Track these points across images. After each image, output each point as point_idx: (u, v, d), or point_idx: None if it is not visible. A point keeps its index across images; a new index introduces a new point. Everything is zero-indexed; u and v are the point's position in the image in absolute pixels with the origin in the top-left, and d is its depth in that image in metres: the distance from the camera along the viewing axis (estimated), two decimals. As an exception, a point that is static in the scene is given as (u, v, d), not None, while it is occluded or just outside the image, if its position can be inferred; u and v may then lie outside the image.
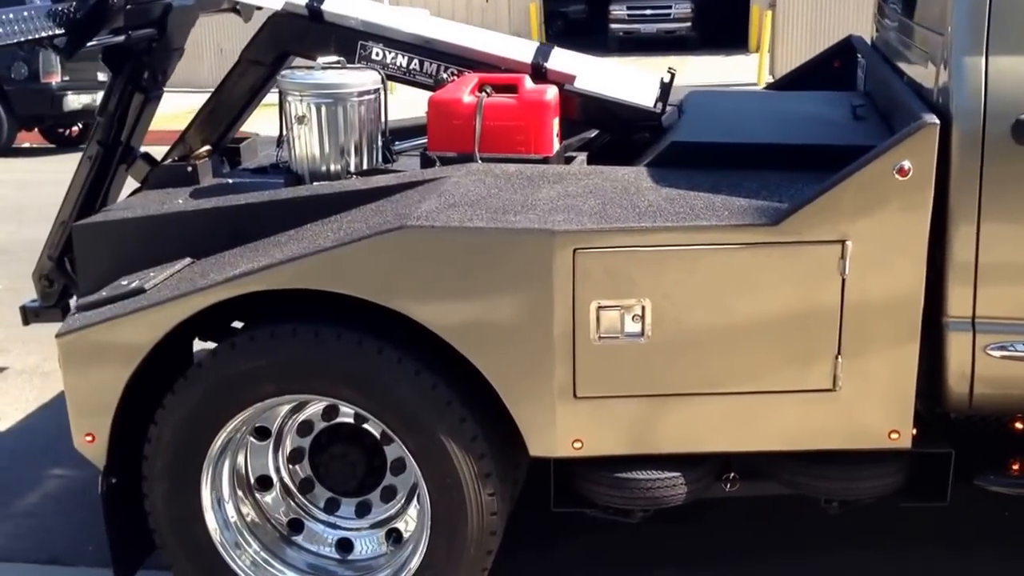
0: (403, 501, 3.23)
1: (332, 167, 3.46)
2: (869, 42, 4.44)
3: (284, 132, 3.54)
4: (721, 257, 2.76)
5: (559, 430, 2.88)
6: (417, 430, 2.89)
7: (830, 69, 4.62)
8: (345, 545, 3.27)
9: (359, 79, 3.48)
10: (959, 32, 2.77)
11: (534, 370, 2.84)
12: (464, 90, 3.44)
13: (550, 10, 22.85)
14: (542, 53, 3.73)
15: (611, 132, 3.78)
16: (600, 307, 2.78)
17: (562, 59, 3.76)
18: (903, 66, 3.42)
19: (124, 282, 3.10)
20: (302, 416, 3.19)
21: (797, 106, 3.81)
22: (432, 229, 2.78)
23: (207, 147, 3.87)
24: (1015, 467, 3.08)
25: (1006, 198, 2.75)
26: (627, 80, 3.77)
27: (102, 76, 10.38)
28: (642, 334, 2.80)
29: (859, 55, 4.35)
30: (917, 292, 2.79)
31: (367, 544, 3.25)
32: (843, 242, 2.74)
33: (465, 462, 2.90)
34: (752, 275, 2.78)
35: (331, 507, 3.28)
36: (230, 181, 3.73)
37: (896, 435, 2.89)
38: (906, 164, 2.71)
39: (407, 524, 3.21)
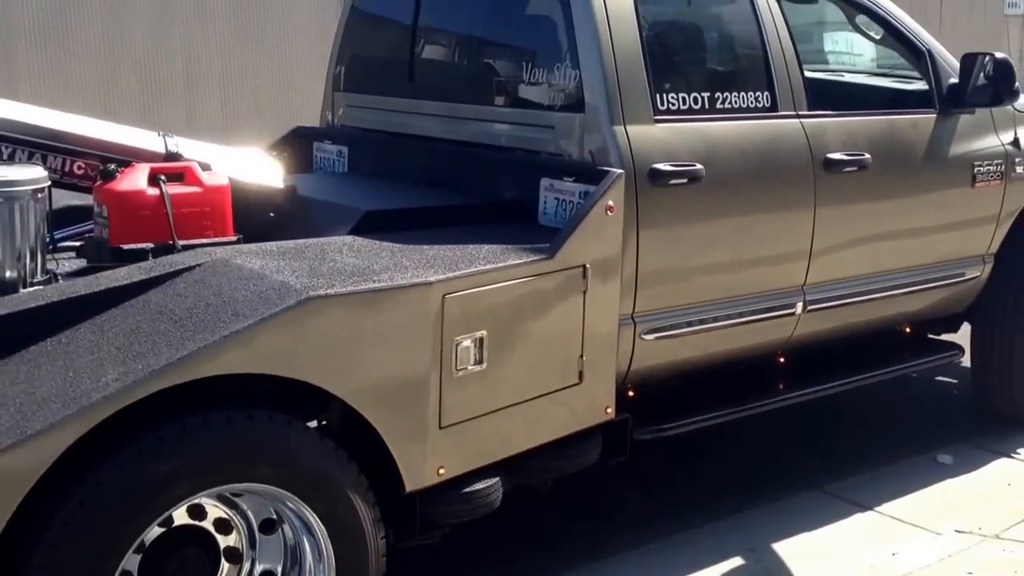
0: (237, 588, 3.18)
1: (14, 273, 3.20)
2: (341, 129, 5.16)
3: None
4: (522, 287, 3.42)
5: (428, 460, 3.23)
6: (327, 491, 3.00)
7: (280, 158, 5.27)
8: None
9: (31, 174, 3.29)
10: (601, 111, 3.82)
11: (413, 410, 3.17)
12: (141, 180, 3.48)
13: None
14: (171, 142, 3.86)
15: (245, 214, 4.00)
16: (457, 343, 3.24)
17: (191, 147, 3.92)
18: (494, 138, 4.28)
19: None
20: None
21: (377, 184, 4.47)
22: (335, 296, 2.96)
23: None
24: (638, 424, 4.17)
25: (652, 224, 3.88)
26: (250, 163, 4.06)
27: None
28: (482, 361, 3.32)
29: (327, 141, 5.09)
30: (616, 297, 3.78)
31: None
32: (584, 265, 3.61)
33: (366, 512, 3.09)
34: (539, 299, 3.49)
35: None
36: None
37: (610, 410, 3.83)
38: (611, 202, 3.68)
39: (248, 608, 3.17)
